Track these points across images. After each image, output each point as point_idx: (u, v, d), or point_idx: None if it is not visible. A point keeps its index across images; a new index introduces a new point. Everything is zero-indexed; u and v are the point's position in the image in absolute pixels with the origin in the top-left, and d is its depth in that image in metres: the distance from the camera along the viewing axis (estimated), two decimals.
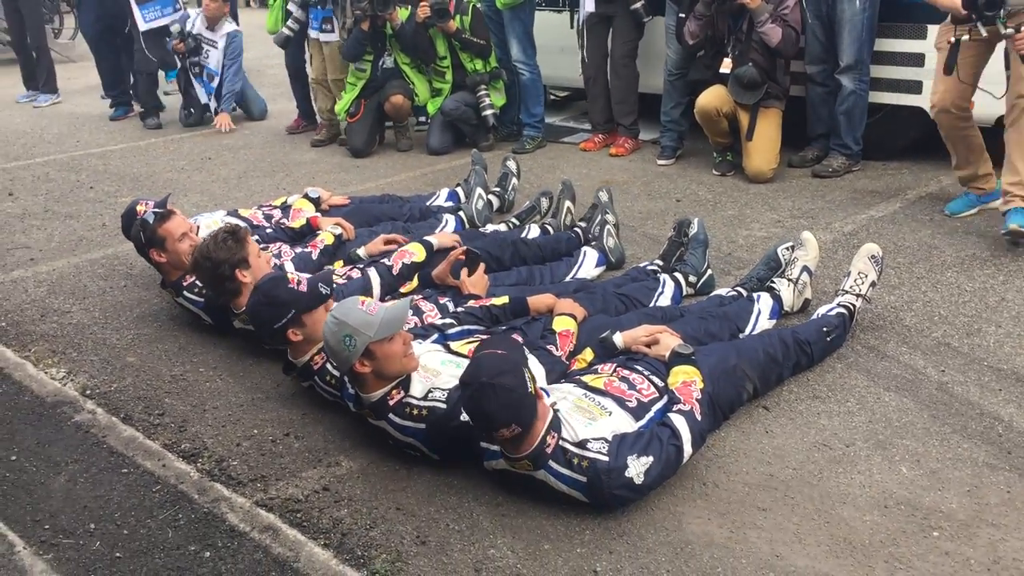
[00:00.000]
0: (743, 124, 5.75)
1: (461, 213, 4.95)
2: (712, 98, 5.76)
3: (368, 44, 6.74)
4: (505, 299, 3.48)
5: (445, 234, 4.41)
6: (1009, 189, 4.37)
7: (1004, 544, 2.48)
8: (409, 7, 6.71)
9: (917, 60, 5.55)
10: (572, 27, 6.70)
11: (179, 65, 8.28)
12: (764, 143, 5.71)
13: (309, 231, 4.45)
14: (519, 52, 6.63)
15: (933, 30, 5.30)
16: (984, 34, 4.26)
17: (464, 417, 2.75)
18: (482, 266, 3.83)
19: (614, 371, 2.99)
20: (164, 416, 3.39)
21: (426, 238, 4.10)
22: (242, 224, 4.51)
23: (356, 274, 3.95)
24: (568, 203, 4.79)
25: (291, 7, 7.11)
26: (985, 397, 3.20)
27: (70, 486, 2.97)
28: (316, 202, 4.76)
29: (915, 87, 5.61)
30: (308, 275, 3.50)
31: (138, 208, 4.24)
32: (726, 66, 5.69)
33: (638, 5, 6.10)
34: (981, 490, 2.71)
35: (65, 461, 3.11)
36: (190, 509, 2.81)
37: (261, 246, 4.28)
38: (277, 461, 3.06)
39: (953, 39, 4.39)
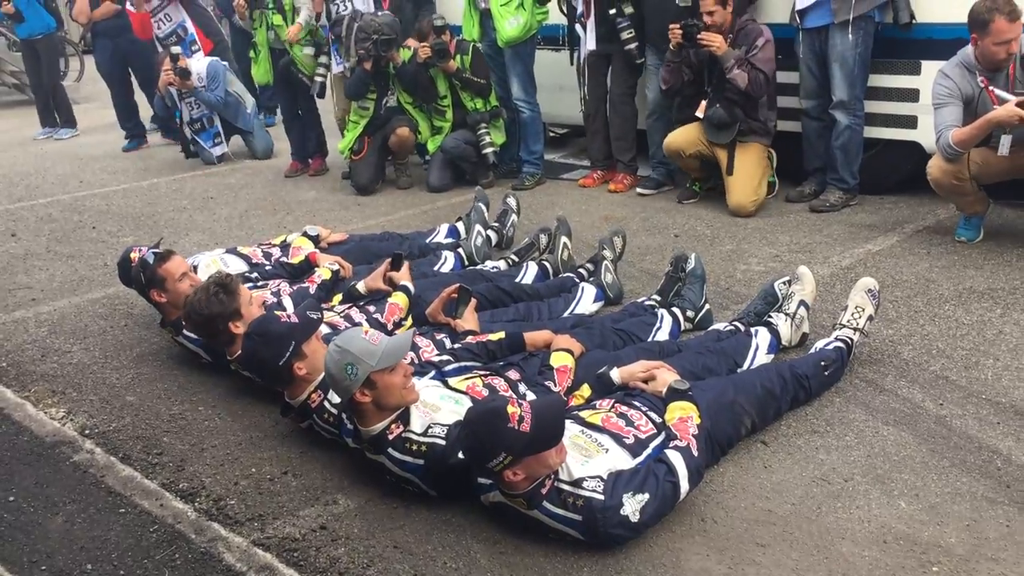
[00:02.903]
0: (722, 162, 5.83)
1: (460, 250, 4.97)
2: (678, 138, 5.96)
3: (371, 83, 6.82)
4: (502, 334, 3.49)
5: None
6: None
7: None
8: (411, 48, 6.80)
9: (911, 95, 5.59)
10: (572, 64, 6.77)
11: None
12: (744, 178, 5.80)
13: (308, 267, 4.47)
14: (520, 90, 6.71)
15: (927, 66, 5.38)
16: None
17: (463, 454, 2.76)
18: (473, 302, 3.84)
19: (612, 407, 2.99)
20: (162, 455, 3.39)
21: (406, 284, 4.08)
22: (239, 266, 4.56)
23: (352, 319, 3.93)
24: (564, 239, 4.81)
25: (307, 50, 7.23)
26: (983, 430, 3.20)
27: (67, 526, 2.97)
28: (315, 239, 4.79)
29: (910, 122, 5.65)
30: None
31: (132, 255, 4.28)
32: (701, 109, 5.80)
33: (632, 46, 6.17)
34: (980, 524, 2.70)
35: (63, 501, 3.12)
36: (187, 549, 2.80)
37: (260, 283, 4.33)
38: (275, 500, 3.06)
39: None
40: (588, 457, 2.70)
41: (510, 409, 2.50)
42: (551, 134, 8.47)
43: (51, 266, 5.69)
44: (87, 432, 3.59)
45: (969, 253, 4.88)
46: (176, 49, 8.05)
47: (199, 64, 8.18)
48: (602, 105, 6.67)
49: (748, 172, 5.81)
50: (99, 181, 8.06)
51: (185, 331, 4.07)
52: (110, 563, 2.75)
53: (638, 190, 6.48)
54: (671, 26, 5.68)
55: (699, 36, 5.58)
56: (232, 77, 8.43)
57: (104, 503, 3.09)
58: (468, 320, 3.74)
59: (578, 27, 6.49)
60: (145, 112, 9.56)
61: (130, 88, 9.44)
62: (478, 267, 4.80)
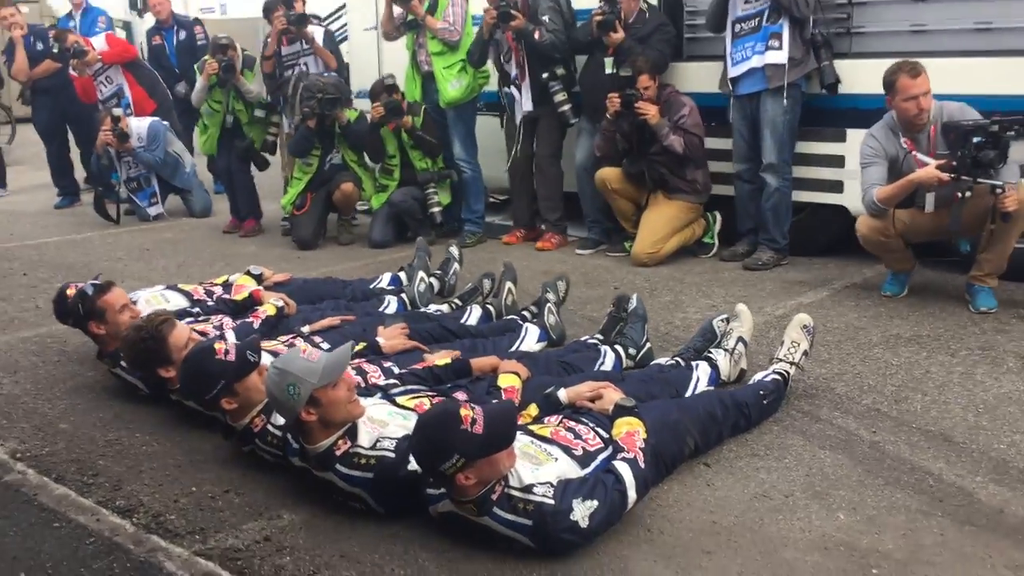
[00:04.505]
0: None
1: (403, 295, 5.01)
2: (606, 171, 6.28)
3: (316, 141, 6.90)
4: (448, 359, 3.53)
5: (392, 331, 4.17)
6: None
7: None
8: (358, 109, 6.92)
9: (838, 161, 5.87)
10: (502, 127, 6.96)
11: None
12: (649, 230, 6.15)
13: (251, 304, 4.45)
14: (461, 150, 6.86)
15: (852, 134, 5.66)
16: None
17: (412, 465, 2.76)
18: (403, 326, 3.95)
19: (560, 422, 3.04)
20: (98, 476, 3.31)
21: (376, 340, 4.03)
22: (180, 302, 4.53)
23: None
24: (509, 284, 4.90)
25: (258, 112, 7.36)
26: (915, 454, 3.31)
27: None
28: (258, 278, 4.79)
29: (836, 187, 5.91)
30: (236, 343, 3.49)
31: (68, 291, 4.21)
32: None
33: (565, 108, 6.40)
34: (916, 533, 2.79)
35: None
36: (126, 560, 2.73)
37: (202, 317, 4.29)
38: (216, 515, 3.00)
39: (960, 195, 4.59)
40: (538, 465, 2.73)
41: (463, 412, 2.53)
42: (491, 200, 8.62)
43: None
44: (18, 456, 3.48)
45: (895, 306, 5.08)
46: (117, 110, 8.07)
47: (139, 124, 8.19)
48: (527, 166, 6.87)
49: (654, 225, 6.15)
50: (30, 234, 7.92)
51: (123, 362, 4.00)
52: (44, 572, 2.66)
53: (576, 250, 6.63)
54: (610, 95, 5.94)
55: (636, 105, 5.86)
56: (172, 137, 8.42)
57: (37, 518, 2.99)
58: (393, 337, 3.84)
59: (512, 89, 6.69)
60: (80, 172, 9.48)
61: (67, 146, 9.39)
62: (421, 310, 4.83)
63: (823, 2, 5.75)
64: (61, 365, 4.53)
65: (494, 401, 3.16)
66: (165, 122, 8.37)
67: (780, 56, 5.54)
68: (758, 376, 3.75)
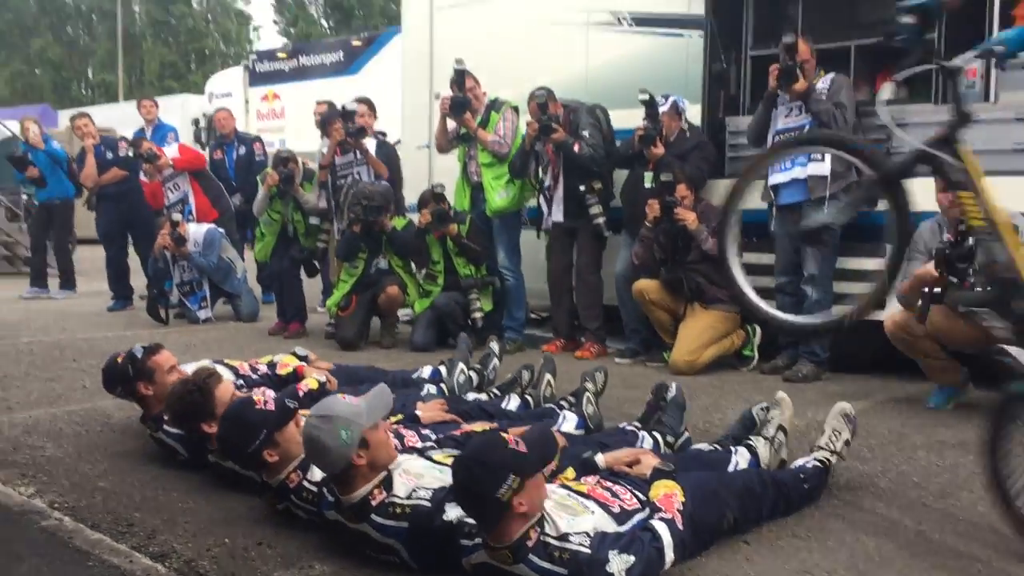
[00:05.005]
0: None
1: (443, 385, 5.05)
2: (643, 282, 6.36)
3: (361, 245, 7.12)
4: (485, 426, 3.54)
5: (432, 405, 4.39)
6: None
7: None
8: (407, 217, 7.17)
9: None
10: (538, 237, 7.14)
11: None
12: (687, 337, 6.18)
13: (295, 379, 4.51)
14: (505, 259, 7.04)
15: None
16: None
17: (448, 516, 2.75)
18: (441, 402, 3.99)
19: (597, 482, 3.01)
20: (133, 527, 3.32)
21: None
22: (226, 376, 4.60)
23: None
24: (549, 376, 4.93)
25: (312, 220, 7.64)
26: (962, 543, 3.22)
27: (34, 574, 2.86)
28: (304, 359, 4.87)
29: None
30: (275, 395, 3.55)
31: (118, 358, 4.34)
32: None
33: (600, 220, 6.57)
34: None
35: (29, 555, 3.04)
36: None
37: (245, 390, 4.35)
38: (248, 564, 2.98)
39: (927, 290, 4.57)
40: (574, 515, 2.71)
41: (503, 435, 2.55)
42: (532, 316, 8.72)
43: (28, 385, 5.68)
44: (56, 506, 3.51)
45: (939, 415, 5.02)
46: (177, 216, 8.42)
47: (197, 230, 8.52)
48: (566, 277, 6.99)
49: (693, 333, 6.19)
50: (82, 329, 8.13)
51: (164, 427, 4.06)
52: None
53: (616, 360, 6.65)
54: (650, 201, 6.11)
55: (675, 211, 6.02)
56: (227, 244, 8.73)
57: (71, 558, 3.01)
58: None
59: (542, 199, 6.90)
60: (137, 280, 9.79)
61: (125, 252, 9.75)
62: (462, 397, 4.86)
63: (864, 123, 5.96)
64: (103, 434, 4.60)
65: None
66: (221, 229, 8.68)
67: (822, 168, 5.69)
68: (799, 462, 3.70)
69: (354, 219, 7.02)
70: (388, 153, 7.76)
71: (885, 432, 4.69)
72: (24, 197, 13.41)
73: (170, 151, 8.88)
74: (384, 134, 7.98)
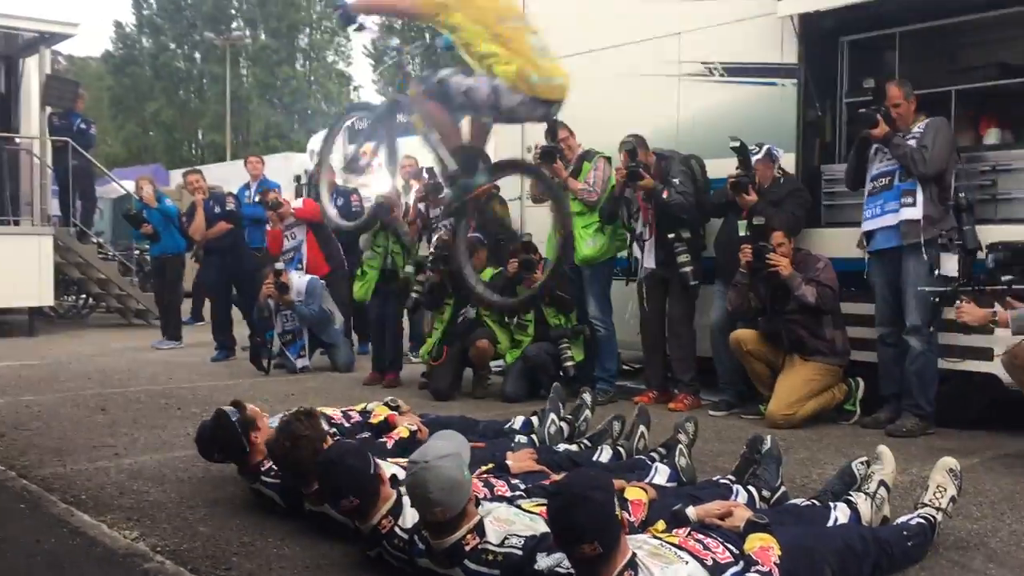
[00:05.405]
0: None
1: (534, 436, 5.04)
2: (741, 332, 6.27)
3: (445, 293, 7.24)
4: None
5: (522, 455, 4.41)
6: None
7: None
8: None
9: (986, 328, 5.68)
10: (626, 285, 7.10)
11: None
12: (785, 390, 6.03)
13: (387, 428, 4.59)
14: (596, 309, 7.02)
15: None
16: None
17: (539, 564, 2.74)
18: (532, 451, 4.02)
19: (688, 534, 2.96)
20: (231, 571, 3.41)
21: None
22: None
23: None
24: (643, 428, 4.88)
25: (408, 268, 7.78)
26: None
27: None
28: (396, 409, 4.93)
29: (985, 354, 5.70)
30: None
31: (211, 421, 4.47)
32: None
33: (687, 269, 6.51)
34: None
35: None
36: None
37: (338, 438, 4.44)
38: None
39: None
40: (668, 564, 2.67)
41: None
42: (625, 367, 8.66)
43: (135, 432, 5.90)
44: (158, 549, 3.63)
45: None
46: (280, 265, 8.70)
47: (300, 280, 8.79)
48: (659, 328, 6.93)
49: (791, 386, 6.05)
50: (187, 379, 8.41)
51: (263, 476, 4.17)
52: None
53: (710, 412, 6.54)
54: (743, 246, 6.04)
55: (768, 257, 5.93)
56: (327, 294, 8.97)
57: None
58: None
59: (636, 247, 6.91)
60: (239, 330, 10.11)
61: (229, 303, 10.10)
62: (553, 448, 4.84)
63: (967, 169, 5.80)
64: (204, 481, 4.73)
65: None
66: (322, 280, 8.93)
67: (914, 212, 5.57)
68: (902, 519, 3.56)
69: (432, 267, 7.17)
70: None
71: (995, 490, 4.48)
72: (136, 252, 14.03)
73: (296, 202, 9.33)
74: (497, 187, 8.10)
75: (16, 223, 12.33)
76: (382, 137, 4.87)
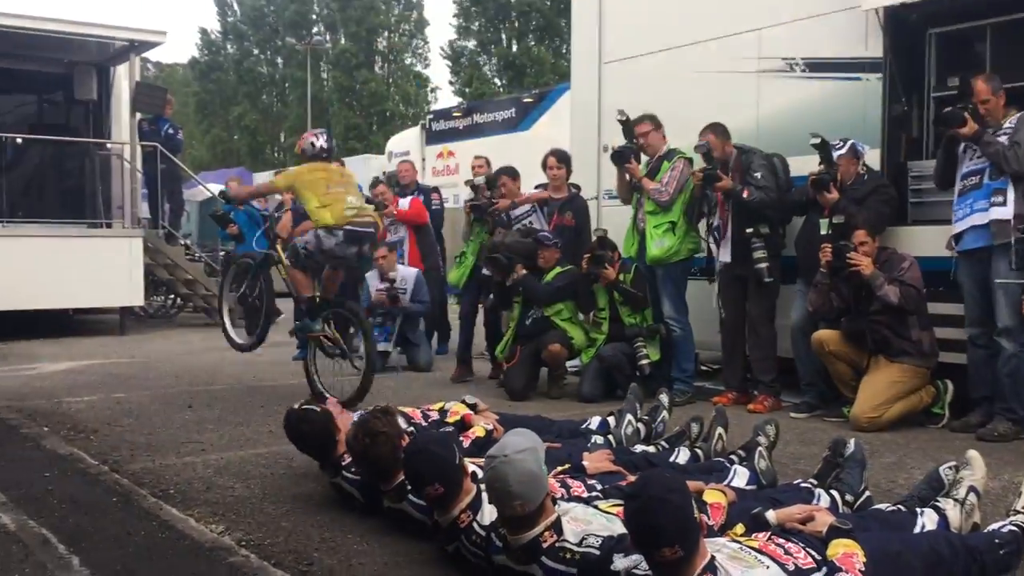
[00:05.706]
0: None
1: (610, 437, 5.02)
2: (824, 332, 6.16)
3: (510, 293, 7.35)
4: None
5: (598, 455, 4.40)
6: None
7: None
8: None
9: None
10: (709, 284, 7.03)
11: None
12: (869, 392, 5.89)
13: (463, 427, 4.62)
14: (671, 309, 6.96)
15: None
16: None
17: (616, 565, 2.73)
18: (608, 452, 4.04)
19: (769, 538, 2.91)
20: (312, 566, 3.48)
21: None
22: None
23: None
24: (720, 429, 4.82)
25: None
26: None
27: None
28: (473, 407, 4.96)
29: None
30: None
31: (297, 411, 4.56)
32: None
33: (762, 265, 6.39)
34: None
35: None
36: None
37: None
38: None
39: None
40: (748, 567, 2.63)
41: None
42: (703, 368, 8.56)
43: (221, 428, 6.06)
44: (243, 543, 3.72)
45: None
46: (382, 248, 8.83)
47: (407, 272, 8.99)
48: (739, 328, 6.83)
49: (876, 387, 5.90)
50: (271, 376, 8.63)
51: (344, 471, 4.23)
52: None
53: (791, 414, 6.42)
54: (823, 245, 5.91)
55: (848, 256, 5.78)
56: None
57: None
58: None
59: (711, 242, 6.85)
60: None
61: None
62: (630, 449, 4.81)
63: None
64: (286, 477, 4.84)
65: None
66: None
67: (1005, 212, 5.38)
68: (993, 526, 3.44)
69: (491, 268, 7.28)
70: (579, 206, 7.89)
71: None
72: (221, 253, 14.39)
73: (403, 203, 9.45)
74: (578, 187, 8.09)
75: (108, 226, 12.80)
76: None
